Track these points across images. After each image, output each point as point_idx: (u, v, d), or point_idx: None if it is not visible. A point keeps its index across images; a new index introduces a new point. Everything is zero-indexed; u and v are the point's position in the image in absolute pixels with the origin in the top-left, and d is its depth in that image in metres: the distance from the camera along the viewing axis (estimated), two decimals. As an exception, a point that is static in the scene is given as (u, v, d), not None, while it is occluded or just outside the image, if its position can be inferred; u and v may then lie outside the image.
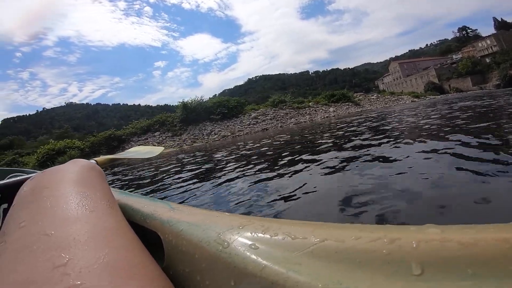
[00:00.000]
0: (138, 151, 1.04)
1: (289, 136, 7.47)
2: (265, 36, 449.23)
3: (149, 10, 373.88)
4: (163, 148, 1.21)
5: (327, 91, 31.76)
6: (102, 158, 0.68)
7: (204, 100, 21.13)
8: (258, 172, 2.86)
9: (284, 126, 16.93)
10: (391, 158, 2.47)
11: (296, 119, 19.14)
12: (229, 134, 16.98)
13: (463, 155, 2.14)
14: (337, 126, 7.77)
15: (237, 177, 2.80)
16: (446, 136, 3.06)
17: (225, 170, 3.41)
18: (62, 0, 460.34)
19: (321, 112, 20.98)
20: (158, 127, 19.58)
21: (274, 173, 2.68)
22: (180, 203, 0.58)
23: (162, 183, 3.47)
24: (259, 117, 19.70)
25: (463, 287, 0.14)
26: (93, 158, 0.62)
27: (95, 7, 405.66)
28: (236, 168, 3.46)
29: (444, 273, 0.15)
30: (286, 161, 3.31)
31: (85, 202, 0.29)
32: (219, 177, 3.02)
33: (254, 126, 18.36)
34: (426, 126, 4.50)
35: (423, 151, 2.53)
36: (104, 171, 0.47)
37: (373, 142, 3.47)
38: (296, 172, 2.59)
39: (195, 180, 3.03)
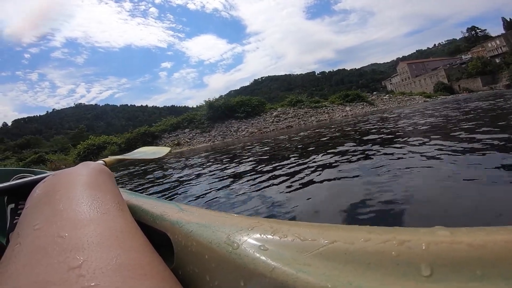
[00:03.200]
0: (145, 152, 1.06)
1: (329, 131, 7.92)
2: (271, 37, 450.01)
3: (154, 11, 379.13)
4: (170, 148, 1.26)
5: (333, 92, 32.45)
6: (110, 158, 0.70)
7: (216, 98, 22.43)
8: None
9: (307, 124, 17.94)
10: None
11: (316, 117, 20.16)
12: (256, 130, 18.11)
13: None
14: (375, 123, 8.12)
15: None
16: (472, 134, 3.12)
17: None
18: (68, 1, 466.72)
19: (338, 111, 21.91)
20: (187, 124, 20.81)
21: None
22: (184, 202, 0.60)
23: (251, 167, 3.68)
24: (280, 116, 20.77)
25: None
26: (101, 159, 0.66)
27: (102, 8, 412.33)
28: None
29: (454, 274, 0.15)
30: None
31: (97, 204, 0.29)
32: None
33: (278, 123, 19.44)
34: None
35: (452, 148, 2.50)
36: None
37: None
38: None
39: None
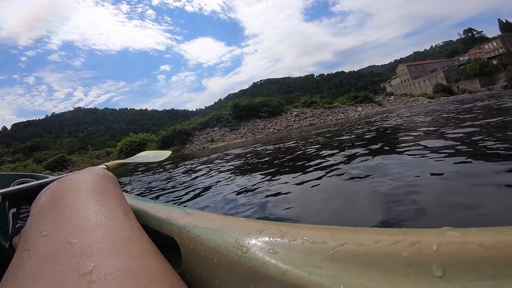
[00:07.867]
0: (147, 156, 1.08)
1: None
2: (269, 39, 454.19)
3: (152, 13, 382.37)
4: (171, 152, 1.30)
5: (332, 94, 33.90)
6: (112, 163, 0.71)
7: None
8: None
9: (327, 122, 19.72)
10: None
11: (333, 117, 22.08)
12: (282, 128, 19.99)
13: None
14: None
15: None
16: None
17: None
18: (65, 3, 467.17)
19: (351, 111, 23.79)
20: (215, 122, 22.62)
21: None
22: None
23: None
24: (300, 115, 22.69)
25: (485, 287, 0.15)
26: (104, 163, 0.66)
27: (98, 10, 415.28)
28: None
29: (466, 274, 0.15)
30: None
31: (103, 210, 0.30)
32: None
33: (299, 121, 21.34)
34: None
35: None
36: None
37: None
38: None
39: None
